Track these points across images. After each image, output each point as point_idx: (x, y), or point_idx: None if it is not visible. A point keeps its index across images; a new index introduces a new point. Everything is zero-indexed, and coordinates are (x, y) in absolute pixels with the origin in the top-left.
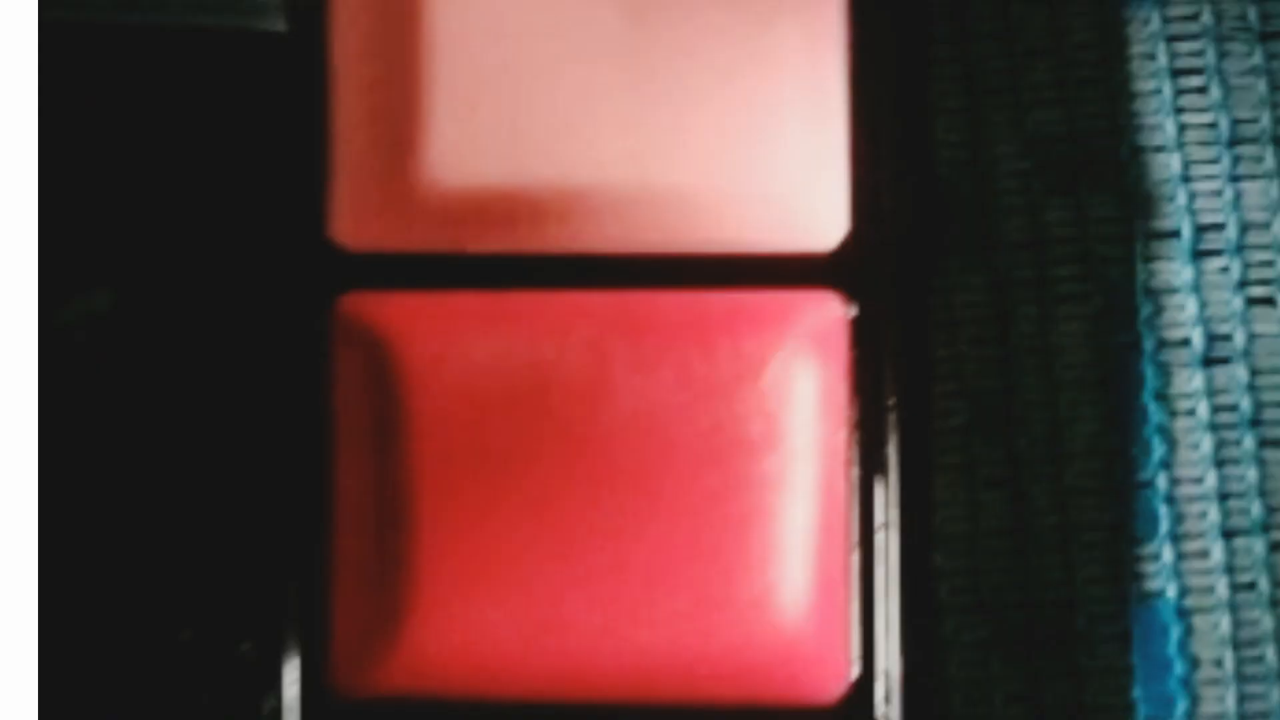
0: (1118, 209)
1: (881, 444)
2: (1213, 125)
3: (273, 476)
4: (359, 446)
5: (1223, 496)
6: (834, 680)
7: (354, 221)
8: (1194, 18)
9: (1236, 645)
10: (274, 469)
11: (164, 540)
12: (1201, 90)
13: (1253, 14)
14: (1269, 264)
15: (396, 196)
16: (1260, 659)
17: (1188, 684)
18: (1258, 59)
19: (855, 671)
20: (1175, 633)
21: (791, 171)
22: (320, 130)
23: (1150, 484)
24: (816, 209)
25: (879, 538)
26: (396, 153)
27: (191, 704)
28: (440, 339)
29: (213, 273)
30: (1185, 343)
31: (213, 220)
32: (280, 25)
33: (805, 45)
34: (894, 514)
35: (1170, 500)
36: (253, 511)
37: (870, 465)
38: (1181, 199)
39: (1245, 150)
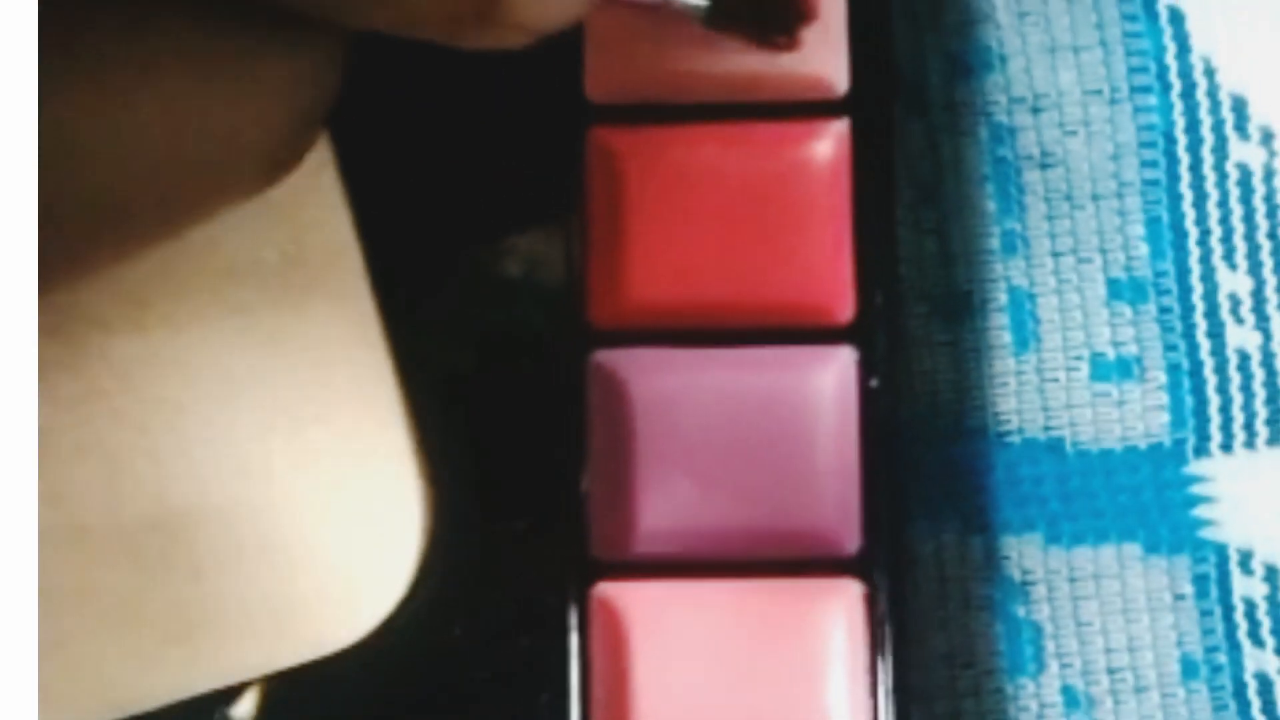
0: (998, 85)
1: (872, 188)
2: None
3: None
4: (600, 207)
5: (1053, 231)
6: (845, 308)
7: (600, 83)
8: None
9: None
10: (555, 220)
11: (471, 259)
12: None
13: None
14: (1079, 115)
15: (629, 65)
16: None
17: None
18: None
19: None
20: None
21: (817, 55)
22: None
23: (1019, 224)
24: (831, 74)
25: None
26: (631, 39)
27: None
28: (648, 153)
29: (507, 119)
30: (1030, 156)
31: (509, 84)
32: None
33: None
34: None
35: (1022, 236)
36: (533, 254)
37: (865, 197)
38: (1032, 75)
39: (1058, 54)
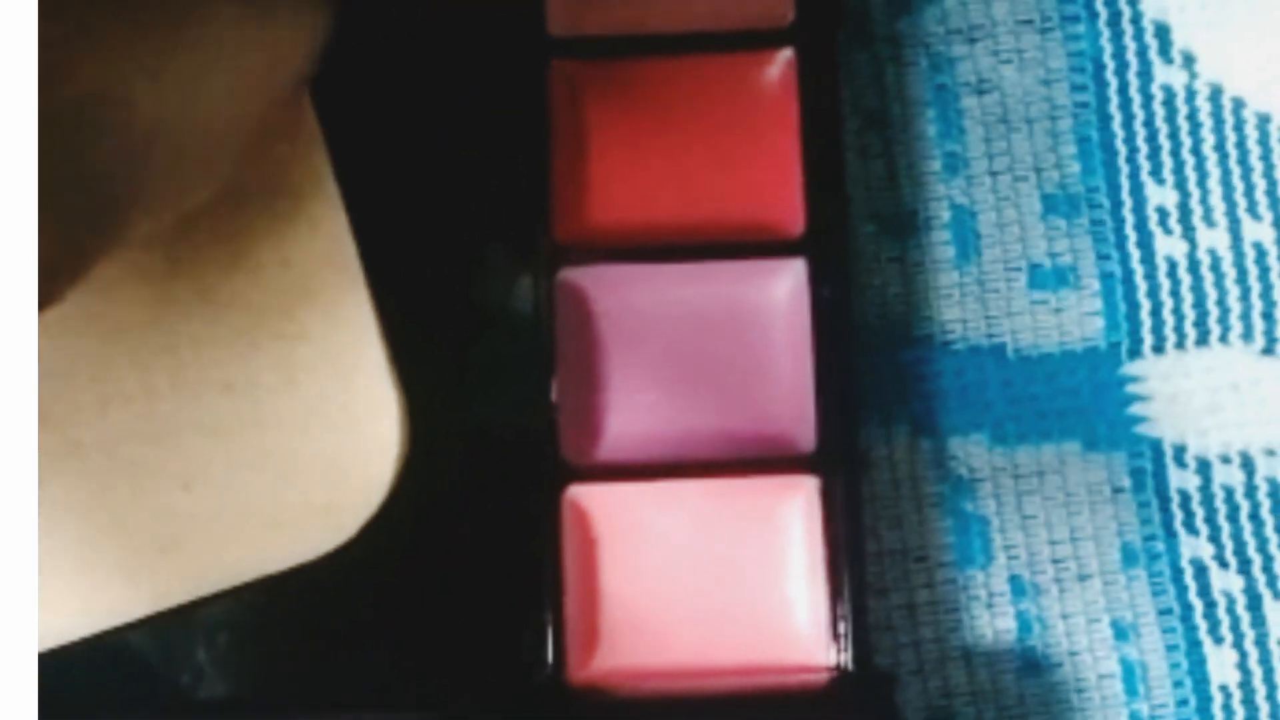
0: (936, 18)
1: (817, 110)
2: None
3: (521, 146)
4: (563, 135)
5: (990, 152)
6: (796, 222)
7: (560, 17)
8: None
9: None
10: (520, 148)
11: (439, 185)
12: None
13: None
14: (1012, 44)
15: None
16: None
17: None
18: None
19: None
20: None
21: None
22: None
23: (959, 147)
24: (779, 5)
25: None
26: None
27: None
28: (607, 83)
29: (473, 54)
30: (968, 83)
31: (475, 21)
32: None
33: None
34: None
35: (962, 158)
36: (500, 180)
37: (811, 118)
38: (968, 8)
39: None
